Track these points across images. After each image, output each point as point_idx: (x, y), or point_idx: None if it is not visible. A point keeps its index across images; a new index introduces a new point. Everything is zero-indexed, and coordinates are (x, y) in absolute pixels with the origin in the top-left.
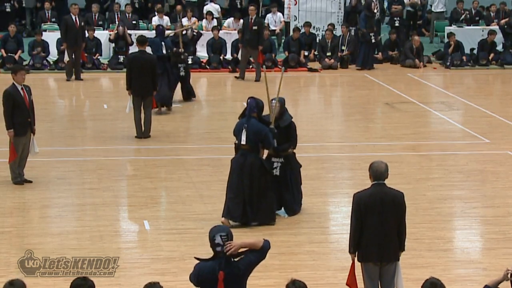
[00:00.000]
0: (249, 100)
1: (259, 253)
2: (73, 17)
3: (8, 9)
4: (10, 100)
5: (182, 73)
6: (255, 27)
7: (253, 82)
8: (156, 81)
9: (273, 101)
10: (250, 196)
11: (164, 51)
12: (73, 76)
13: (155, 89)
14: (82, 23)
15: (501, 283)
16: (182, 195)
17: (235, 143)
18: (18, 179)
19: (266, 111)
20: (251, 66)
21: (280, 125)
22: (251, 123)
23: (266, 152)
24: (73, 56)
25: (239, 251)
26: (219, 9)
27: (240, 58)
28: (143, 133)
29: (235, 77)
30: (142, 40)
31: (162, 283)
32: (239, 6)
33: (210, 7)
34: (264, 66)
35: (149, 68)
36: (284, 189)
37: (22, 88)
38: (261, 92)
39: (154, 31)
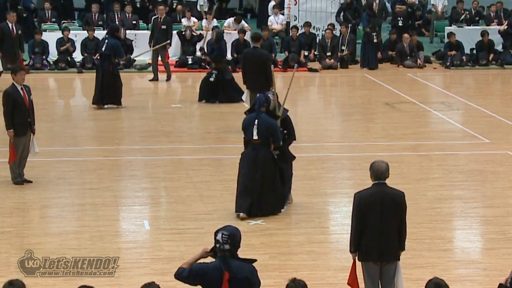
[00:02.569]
0: (258, 95)
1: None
2: (10, 25)
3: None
4: (10, 100)
5: (211, 79)
6: (163, 26)
7: None
8: (270, 77)
9: (269, 94)
10: (261, 188)
11: (103, 49)
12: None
13: (270, 85)
14: (19, 32)
15: None
16: (182, 195)
17: (244, 138)
18: (18, 179)
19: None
20: None
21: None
22: (262, 118)
23: None
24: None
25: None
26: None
27: (151, 60)
28: None
29: (149, 80)
30: (256, 37)
31: (162, 283)
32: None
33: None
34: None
35: (261, 64)
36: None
37: (22, 88)
38: None
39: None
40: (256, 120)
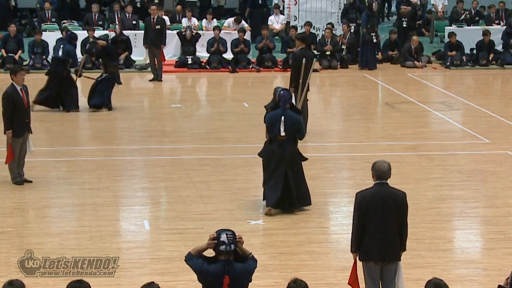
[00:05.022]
0: (282, 92)
1: (254, 260)
2: (18, 89)
3: None
4: (10, 101)
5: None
6: (157, 26)
7: (254, 82)
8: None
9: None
10: (294, 182)
11: (60, 54)
12: None
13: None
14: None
15: None
16: (182, 195)
17: (268, 134)
18: (18, 179)
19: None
20: (251, 66)
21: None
22: (288, 114)
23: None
24: None
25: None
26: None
27: (149, 60)
28: None
29: (149, 80)
30: (303, 37)
31: (162, 283)
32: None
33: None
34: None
35: (310, 65)
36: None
37: (21, 89)
38: (262, 92)
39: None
40: (283, 117)
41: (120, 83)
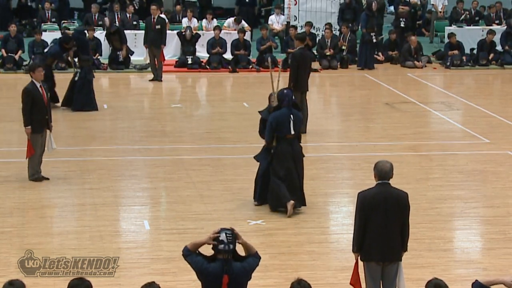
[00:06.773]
0: (286, 91)
1: (256, 258)
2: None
3: None
4: (30, 97)
5: (76, 78)
6: (158, 26)
7: (254, 82)
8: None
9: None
10: (300, 181)
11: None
12: None
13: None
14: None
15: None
16: (182, 195)
17: (275, 135)
18: (36, 176)
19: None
20: (250, 67)
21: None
22: (295, 113)
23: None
24: None
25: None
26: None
27: (149, 60)
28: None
29: (149, 80)
30: (302, 37)
31: (162, 283)
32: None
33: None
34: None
35: (310, 64)
36: None
37: (40, 86)
38: (262, 92)
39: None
40: (292, 115)
41: (93, 77)
